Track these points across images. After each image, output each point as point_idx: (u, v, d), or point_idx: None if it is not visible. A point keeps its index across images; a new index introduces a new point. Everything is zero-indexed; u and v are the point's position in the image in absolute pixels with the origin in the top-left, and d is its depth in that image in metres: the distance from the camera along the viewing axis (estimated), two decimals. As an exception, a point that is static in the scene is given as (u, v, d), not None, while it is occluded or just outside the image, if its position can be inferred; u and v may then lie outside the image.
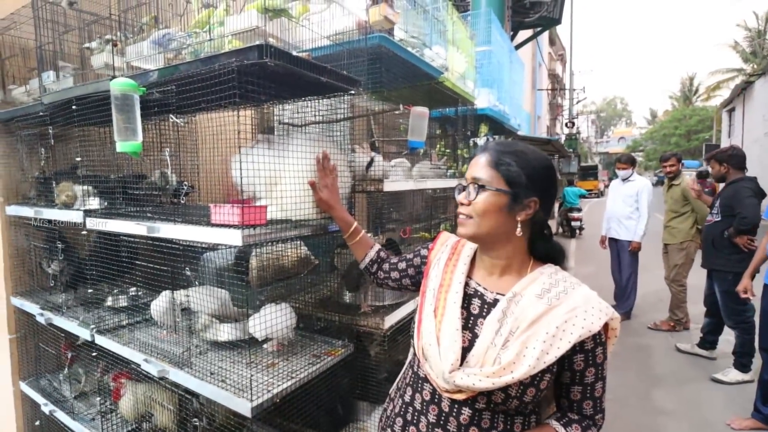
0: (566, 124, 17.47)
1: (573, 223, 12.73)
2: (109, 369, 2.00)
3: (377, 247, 1.41)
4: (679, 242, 4.40)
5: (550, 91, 21.45)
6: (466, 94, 2.61)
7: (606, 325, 0.95)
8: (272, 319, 1.58)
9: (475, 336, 0.98)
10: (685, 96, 42.22)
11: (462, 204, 1.03)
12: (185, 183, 1.74)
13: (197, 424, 1.59)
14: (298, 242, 2.19)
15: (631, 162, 4.90)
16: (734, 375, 3.43)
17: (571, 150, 17.09)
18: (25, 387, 2.41)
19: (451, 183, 2.44)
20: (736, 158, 3.43)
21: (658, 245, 4.76)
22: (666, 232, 4.58)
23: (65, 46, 1.99)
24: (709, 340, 3.89)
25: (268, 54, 1.12)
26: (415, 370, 1.08)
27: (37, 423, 2.45)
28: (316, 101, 1.81)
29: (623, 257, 4.94)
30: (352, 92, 1.50)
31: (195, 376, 1.46)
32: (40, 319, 2.14)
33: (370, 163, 1.69)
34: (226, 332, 1.73)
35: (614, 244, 5.07)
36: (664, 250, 4.63)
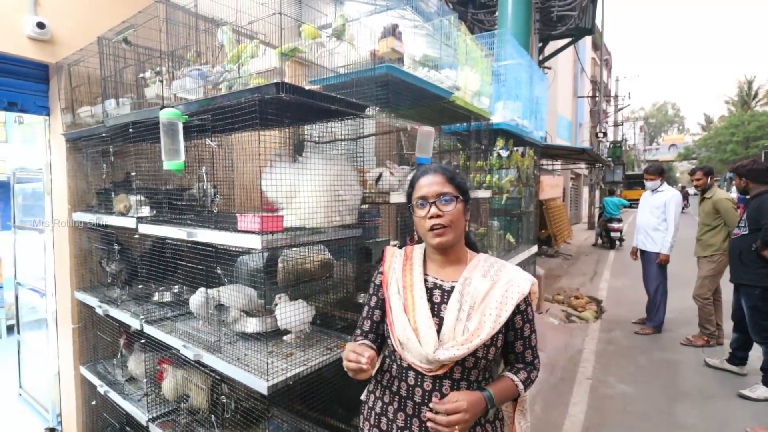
0: (596, 135, 16.93)
1: (612, 234, 12.37)
2: (155, 354, 2.29)
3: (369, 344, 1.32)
4: (709, 255, 4.32)
5: (590, 98, 20.89)
6: (480, 110, 2.76)
7: (530, 292, 1.24)
8: (290, 314, 1.81)
9: (441, 319, 1.19)
10: (743, 100, 39.71)
11: (435, 216, 1.20)
12: (218, 194, 2.01)
13: (225, 401, 1.83)
14: (322, 248, 2.43)
15: (658, 173, 4.84)
16: (762, 392, 3.33)
17: (610, 159, 16.59)
18: (84, 371, 2.76)
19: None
20: (755, 172, 3.38)
21: (693, 258, 4.66)
22: (698, 245, 4.49)
23: (124, 77, 2.33)
24: (738, 356, 3.79)
25: (284, 90, 1.36)
26: (399, 363, 1.25)
27: (93, 402, 2.80)
28: (338, 123, 2.04)
29: (649, 269, 4.87)
30: (361, 116, 1.71)
31: (224, 360, 1.70)
32: (99, 311, 2.47)
33: (379, 178, 1.89)
34: (252, 325, 1.98)
35: (643, 255, 5.01)
36: (697, 263, 4.54)
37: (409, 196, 1.30)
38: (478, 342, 1.13)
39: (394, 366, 1.27)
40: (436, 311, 1.21)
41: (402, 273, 1.29)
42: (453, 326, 1.16)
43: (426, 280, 1.27)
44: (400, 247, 1.40)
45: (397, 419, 1.22)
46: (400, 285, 1.27)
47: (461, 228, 1.24)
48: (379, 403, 1.28)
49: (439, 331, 1.17)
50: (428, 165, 1.30)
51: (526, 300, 1.23)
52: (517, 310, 1.21)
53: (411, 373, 1.21)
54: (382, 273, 1.34)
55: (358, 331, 1.36)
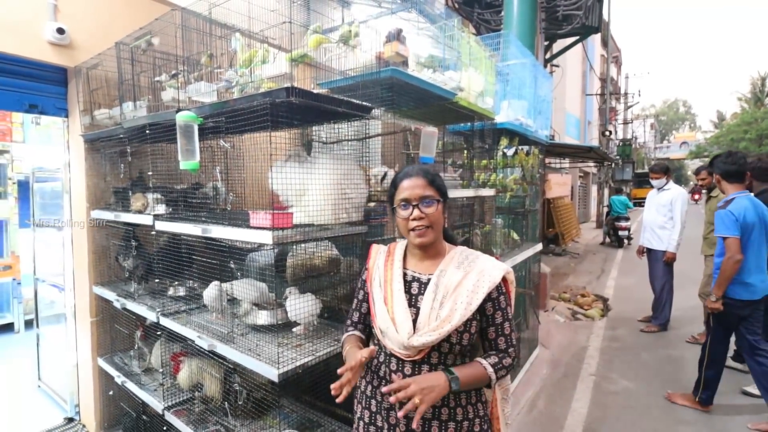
0: (603, 133, 16.82)
1: (620, 233, 12.35)
2: (170, 345, 2.39)
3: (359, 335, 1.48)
4: (713, 253, 4.32)
5: (599, 96, 20.74)
6: (484, 110, 2.81)
7: (505, 281, 1.32)
8: (300, 307, 1.89)
9: (418, 309, 1.28)
10: (756, 97, 39.05)
11: (418, 218, 1.27)
12: (231, 193, 2.10)
13: (238, 388, 1.93)
14: (329, 244, 2.51)
15: (663, 171, 4.86)
16: (765, 388, 3.35)
17: (618, 157, 16.48)
18: (101, 362, 2.88)
19: (466, 193, 2.67)
20: (758, 170, 3.39)
21: (700, 257, 4.67)
22: (704, 243, 4.50)
23: (141, 81, 2.43)
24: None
25: (293, 94, 1.44)
26: (383, 350, 1.35)
27: (111, 392, 2.92)
28: (345, 123, 2.12)
29: (656, 267, 4.89)
30: (367, 117, 1.79)
31: (237, 350, 1.79)
32: (116, 305, 2.58)
33: (384, 177, 1.96)
34: (263, 317, 2.07)
35: (649, 254, 5.03)
36: (704, 261, 4.55)
37: (392, 197, 1.36)
38: (449, 328, 1.21)
39: (380, 353, 1.37)
40: (414, 302, 1.30)
41: (384, 268, 1.38)
42: (428, 315, 1.25)
43: (405, 274, 1.36)
44: None
45: (384, 401, 1.32)
46: (381, 279, 1.36)
47: (441, 227, 1.33)
48: (369, 387, 1.38)
49: (415, 321, 1.26)
50: (410, 167, 1.36)
51: (499, 289, 1.30)
52: (488, 298, 1.28)
53: (393, 359, 1.31)
54: (367, 269, 1.45)
55: (348, 322, 1.50)
